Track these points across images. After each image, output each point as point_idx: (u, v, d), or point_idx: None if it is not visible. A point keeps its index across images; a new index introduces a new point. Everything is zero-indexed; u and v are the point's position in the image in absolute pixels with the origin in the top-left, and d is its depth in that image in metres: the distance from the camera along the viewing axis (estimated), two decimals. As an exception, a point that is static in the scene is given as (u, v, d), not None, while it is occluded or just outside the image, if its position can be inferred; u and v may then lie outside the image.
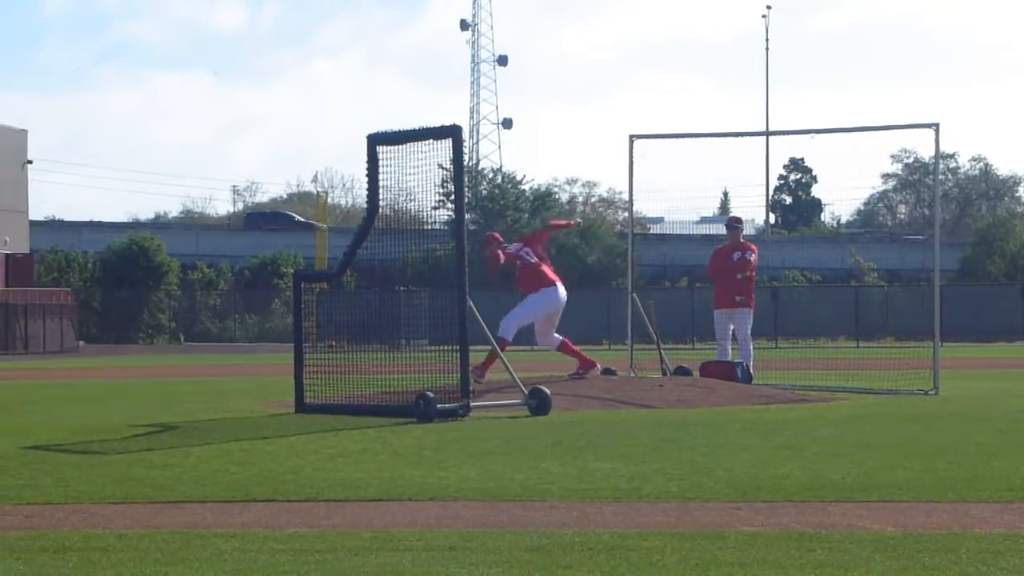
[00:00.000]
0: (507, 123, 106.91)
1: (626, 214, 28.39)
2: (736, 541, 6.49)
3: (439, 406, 13.34)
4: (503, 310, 16.16)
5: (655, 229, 73.81)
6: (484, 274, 16.43)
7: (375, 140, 14.50)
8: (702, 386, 16.10)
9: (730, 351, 18.32)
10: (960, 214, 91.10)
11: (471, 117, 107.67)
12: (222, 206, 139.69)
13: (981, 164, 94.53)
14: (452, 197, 14.51)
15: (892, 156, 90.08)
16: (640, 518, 7.26)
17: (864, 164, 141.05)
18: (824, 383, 18.52)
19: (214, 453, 10.57)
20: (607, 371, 17.50)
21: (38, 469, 9.66)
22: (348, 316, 16.86)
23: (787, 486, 8.33)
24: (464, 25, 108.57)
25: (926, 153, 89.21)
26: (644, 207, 26.74)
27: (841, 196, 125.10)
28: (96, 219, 79.46)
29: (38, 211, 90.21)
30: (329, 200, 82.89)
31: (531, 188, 70.74)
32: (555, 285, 16.05)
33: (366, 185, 14.60)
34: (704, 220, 73.99)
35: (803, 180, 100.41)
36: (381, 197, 14.54)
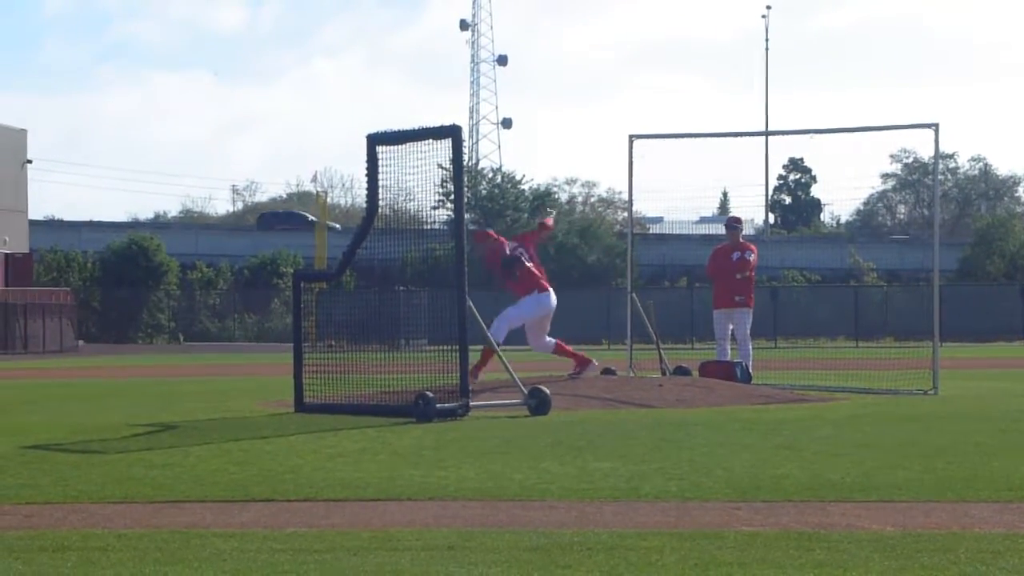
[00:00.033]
0: (507, 123, 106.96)
1: (625, 214, 28.38)
2: (735, 541, 6.49)
3: (438, 406, 13.34)
4: (503, 310, 16.13)
5: (654, 229, 73.80)
6: (484, 272, 16.35)
7: (375, 140, 14.49)
8: (701, 386, 16.11)
9: (729, 351, 18.33)
10: (959, 214, 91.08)
11: (471, 117, 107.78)
12: (221, 205, 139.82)
13: (980, 164, 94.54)
14: (451, 197, 14.51)
15: (891, 156, 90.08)
16: (639, 518, 7.26)
17: (863, 164, 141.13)
18: (823, 383, 18.51)
19: (213, 453, 10.58)
20: (607, 371, 17.51)
21: (37, 468, 9.66)
22: (347, 316, 16.87)
23: (786, 486, 8.33)
24: (464, 25, 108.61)
25: (925, 153, 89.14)
26: (644, 207, 26.79)
27: (840, 196, 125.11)
28: (96, 219, 79.47)
29: (38, 211, 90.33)
30: (329, 200, 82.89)
31: (530, 188, 70.77)
32: (548, 290, 16.05)
33: (366, 185, 14.60)
34: (703, 220, 74.00)
35: (802, 180, 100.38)
36: (381, 197, 14.54)
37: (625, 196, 21.19)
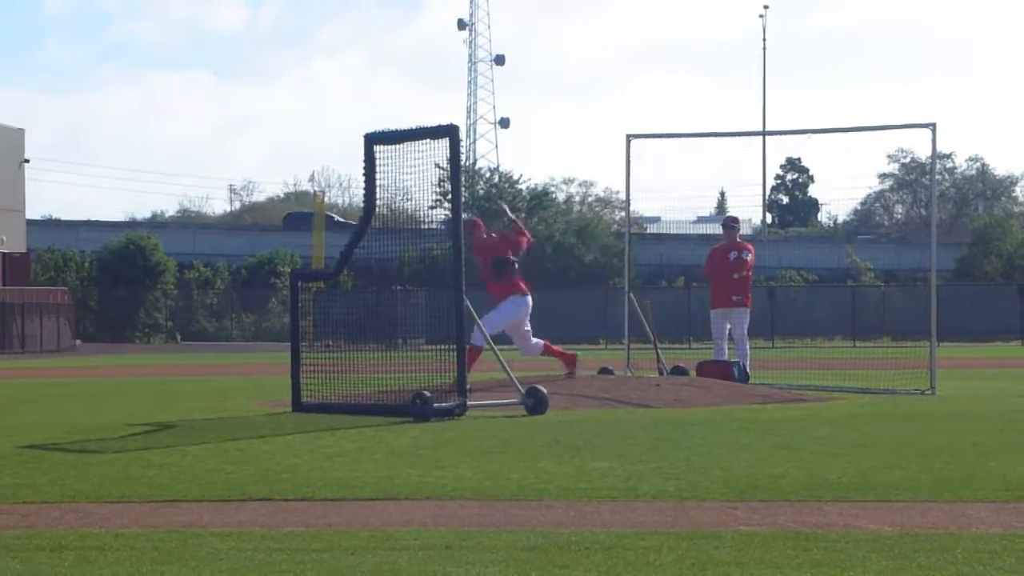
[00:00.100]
0: (504, 122, 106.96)
1: (623, 214, 28.39)
2: (733, 540, 6.49)
3: (436, 405, 13.34)
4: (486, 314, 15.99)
5: (652, 229, 73.77)
6: (474, 270, 16.16)
7: (372, 139, 14.49)
8: (699, 386, 16.11)
9: (727, 351, 18.34)
10: (957, 214, 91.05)
11: (468, 116, 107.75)
12: (219, 205, 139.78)
13: (978, 164, 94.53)
14: (449, 196, 14.49)
15: (889, 156, 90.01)
16: (637, 517, 7.26)
17: (861, 164, 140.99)
18: (821, 383, 18.52)
19: (211, 452, 10.57)
20: (604, 370, 17.52)
21: (35, 468, 9.66)
22: (345, 315, 16.87)
23: (783, 486, 8.34)
24: (461, 25, 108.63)
25: (923, 153, 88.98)
26: (641, 207, 26.91)
27: (838, 196, 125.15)
28: (93, 218, 79.47)
29: (35, 210, 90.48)
30: (326, 199, 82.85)
31: (528, 187, 70.75)
32: (527, 295, 16.10)
33: (363, 184, 14.60)
34: (701, 220, 74.05)
35: (800, 180, 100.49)
36: (378, 196, 14.54)
37: (623, 196, 21.21)
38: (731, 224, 19.33)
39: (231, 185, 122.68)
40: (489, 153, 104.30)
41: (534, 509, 7.56)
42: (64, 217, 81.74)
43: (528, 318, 16.22)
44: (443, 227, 15.67)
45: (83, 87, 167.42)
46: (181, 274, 64.35)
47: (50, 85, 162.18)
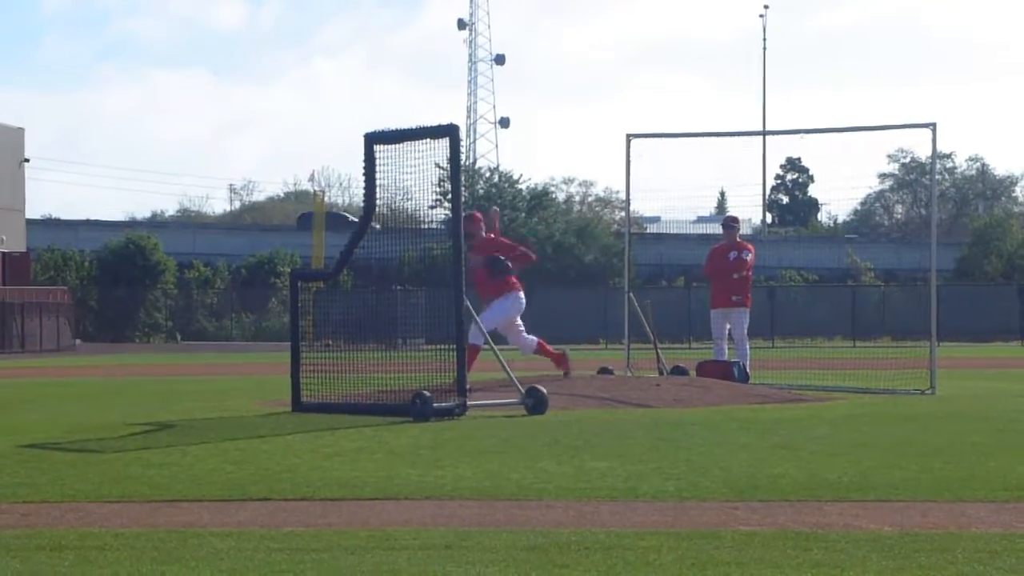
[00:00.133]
0: (504, 122, 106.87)
1: (623, 214, 28.38)
2: (732, 540, 6.49)
3: (435, 405, 13.34)
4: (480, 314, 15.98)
5: (652, 228, 73.73)
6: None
7: (372, 139, 14.49)
8: (699, 385, 16.11)
9: (726, 350, 18.34)
10: (957, 214, 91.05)
11: (468, 116, 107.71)
12: (219, 205, 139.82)
13: (978, 164, 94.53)
14: (449, 196, 14.49)
15: (889, 156, 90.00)
16: (637, 517, 7.26)
17: (861, 164, 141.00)
18: (820, 383, 18.52)
19: (211, 452, 10.57)
20: (604, 370, 17.52)
21: (35, 467, 9.65)
22: (345, 315, 16.87)
23: (783, 485, 8.34)
24: (461, 25, 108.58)
25: (923, 153, 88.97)
26: (641, 206, 26.93)
27: (838, 196, 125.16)
28: (93, 218, 79.46)
29: (35, 209, 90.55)
30: (326, 199, 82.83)
31: (528, 187, 70.73)
32: (520, 291, 16.11)
33: (363, 184, 14.60)
34: (701, 219, 73.96)
35: (800, 180, 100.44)
36: (378, 196, 14.54)
37: (623, 195, 21.21)
38: (731, 224, 19.33)
39: (231, 185, 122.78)
40: (489, 153, 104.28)
41: (534, 509, 7.56)
42: (64, 216, 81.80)
43: (519, 315, 16.23)
44: (443, 227, 15.66)
45: (83, 86, 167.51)
46: (181, 274, 64.32)
47: (49, 84, 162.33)
